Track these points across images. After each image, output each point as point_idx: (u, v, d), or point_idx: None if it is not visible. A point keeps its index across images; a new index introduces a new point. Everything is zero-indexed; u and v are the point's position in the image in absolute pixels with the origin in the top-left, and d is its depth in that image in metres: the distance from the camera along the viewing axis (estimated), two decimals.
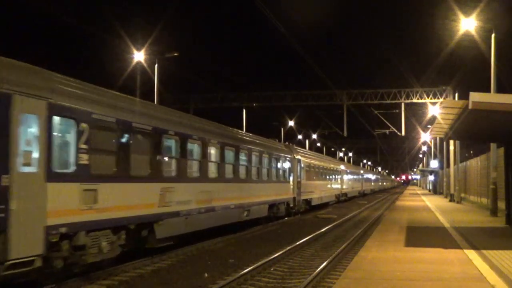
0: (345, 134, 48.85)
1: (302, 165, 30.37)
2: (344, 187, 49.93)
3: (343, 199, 48.59)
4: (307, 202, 32.11)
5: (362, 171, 71.55)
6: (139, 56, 30.31)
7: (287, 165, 26.86)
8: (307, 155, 34.42)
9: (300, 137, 70.82)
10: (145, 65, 30.48)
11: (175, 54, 30.73)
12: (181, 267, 12.95)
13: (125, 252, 12.47)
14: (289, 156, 27.41)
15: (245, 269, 12.25)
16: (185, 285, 11.06)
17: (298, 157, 29.72)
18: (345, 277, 9.25)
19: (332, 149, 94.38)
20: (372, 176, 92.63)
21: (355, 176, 61.66)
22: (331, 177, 42.78)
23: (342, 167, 50.09)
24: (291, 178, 27.52)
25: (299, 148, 36.80)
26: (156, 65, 30.12)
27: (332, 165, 44.20)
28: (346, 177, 51.67)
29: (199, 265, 13.16)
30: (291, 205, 27.57)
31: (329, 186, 41.40)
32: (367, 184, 76.20)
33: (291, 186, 27.60)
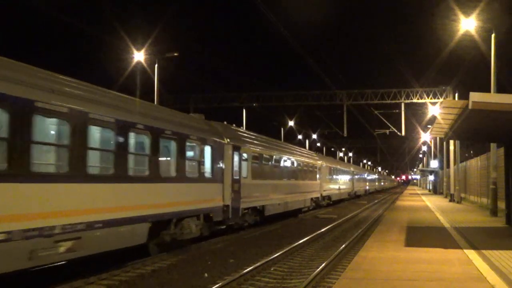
0: (345, 134, 48.88)
1: (245, 156, 20.50)
2: (326, 188, 39.75)
3: (324, 204, 39.09)
4: (257, 211, 22.17)
5: (353, 169, 61.05)
6: (139, 56, 30.32)
7: (211, 154, 17.05)
8: (255, 142, 22.85)
9: (300, 137, 70.87)
10: (145, 65, 30.50)
11: (175, 54, 30.75)
12: (181, 267, 12.94)
13: (126, 252, 12.47)
14: (215, 139, 17.46)
15: (245, 269, 12.25)
16: (185, 285, 11.06)
17: (235, 143, 19.35)
18: (345, 277, 9.25)
19: (332, 149, 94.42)
20: (366, 175, 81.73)
21: (343, 175, 51.01)
22: (303, 175, 31.51)
23: (322, 163, 38.84)
24: (219, 175, 17.72)
25: (241, 130, 24.45)
26: (156, 65, 30.11)
27: (304, 160, 32.42)
28: (328, 176, 41.57)
29: (199, 265, 13.15)
30: (218, 218, 17.48)
31: (299, 187, 29.73)
32: (360, 184, 67.13)
33: (220, 189, 17.72)
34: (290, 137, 66.45)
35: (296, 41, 47.26)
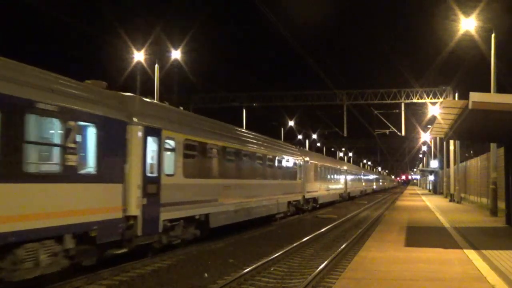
0: (345, 134, 48.87)
1: (170, 144, 14.42)
2: (310, 189, 33.31)
3: (308, 208, 32.50)
4: (196, 222, 15.98)
5: (346, 167, 54.68)
6: (139, 56, 30.32)
7: (98, 138, 11.37)
8: (194, 125, 16.49)
9: (300, 137, 70.90)
10: (145, 65, 30.51)
11: (175, 54, 30.76)
12: (181, 267, 12.94)
13: (126, 252, 12.46)
14: (107, 116, 11.72)
15: (245, 269, 12.25)
16: (185, 285, 11.06)
17: (151, 124, 13.38)
18: (345, 277, 9.25)
19: (332, 149, 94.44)
20: (363, 174, 75.26)
21: (334, 174, 44.79)
22: (277, 173, 25.15)
23: (305, 159, 31.97)
24: (116, 171, 12.05)
25: (172, 108, 16.39)
26: (156, 65, 30.12)
27: (278, 154, 25.52)
28: (314, 175, 34.90)
29: (199, 265, 13.15)
30: (111, 237, 11.74)
31: (268, 188, 23.40)
32: (355, 184, 60.87)
33: (117, 192, 12.01)
34: (290, 137, 66.52)
35: (296, 41, 47.25)
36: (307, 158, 32.83)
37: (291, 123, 61.46)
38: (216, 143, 17.64)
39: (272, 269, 12.88)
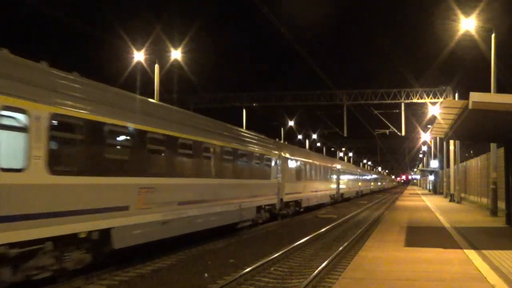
0: (345, 134, 48.88)
1: (17, 121, 9.22)
2: (290, 190, 28.11)
3: (288, 213, 27.81)
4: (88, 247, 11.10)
5: (338, 166, 49.58)
6: (139, 56, 30.31)
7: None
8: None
9: (300, 137, 70.92)
10: (145, 65, 30.50)
11: (175, 54, 30.75)
12: (181, 267, 12.95)
13: (126, 252, 12.46)
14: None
15: (245, 269, 12.25)
16: (185, 285, 11.06)
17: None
18: (345, 277, 9.25)
19: (332, 149, 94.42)
20: (358, 174, 69.32)
21: (323, 173, 39.92)
22: (239, 171, 19.71)
23: (282, 154, 26.83)
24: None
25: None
26: (156, 65, 30.11)
27: (238, 145, 19.83)
28: (296, 174, 30.22)
29: (199, 265, 13.16)
30: None
31: (222, 190, 17.95)
32: (349, 185, 56.62)
33: None
34: (290, 137, 66.53)
35: (296, 41, 47.13)
36: (286, 154, 27.78)
37: (291, 123, 61.48)
38: (113, 120, 11.69)
39: (272, 269, 12.88)
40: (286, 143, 39.36)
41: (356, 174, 67.02)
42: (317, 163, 38.44)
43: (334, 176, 45.97)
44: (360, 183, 69.51)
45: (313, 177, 35.86)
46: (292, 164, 29.14)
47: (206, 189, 16.55)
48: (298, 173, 30.77)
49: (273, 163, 24.51)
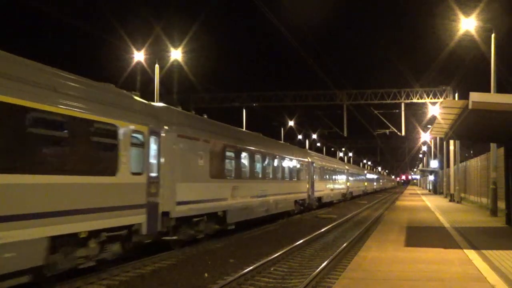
0: (345, 134, 48.86)
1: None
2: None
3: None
4: None
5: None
6: (139, 56, 30.31)
7: None
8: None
9: (300, 137, 70.91)
10: (145, 65, 30.49)
11: (175, 54, 30.74)
12: (181, 267, 12.94)
13: (126, 252, 12.47)
14: None
15: (245, 269, 12.25)
16: (185, 285, 11.06)
17: None
18: (345, 277, 9.25)
19: (332, 149, 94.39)
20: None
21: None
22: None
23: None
24: None
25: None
26: (156, 65, 30.11)
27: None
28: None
29: (199, 265, 13.15)
30: None
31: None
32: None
33: None
34: (290, 137, 66.51)
35: (296, 41, 47.13)
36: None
37: (291, 123, 61.46)
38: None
39: (272, 269, 12.88)
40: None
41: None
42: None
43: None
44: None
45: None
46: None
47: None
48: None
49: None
